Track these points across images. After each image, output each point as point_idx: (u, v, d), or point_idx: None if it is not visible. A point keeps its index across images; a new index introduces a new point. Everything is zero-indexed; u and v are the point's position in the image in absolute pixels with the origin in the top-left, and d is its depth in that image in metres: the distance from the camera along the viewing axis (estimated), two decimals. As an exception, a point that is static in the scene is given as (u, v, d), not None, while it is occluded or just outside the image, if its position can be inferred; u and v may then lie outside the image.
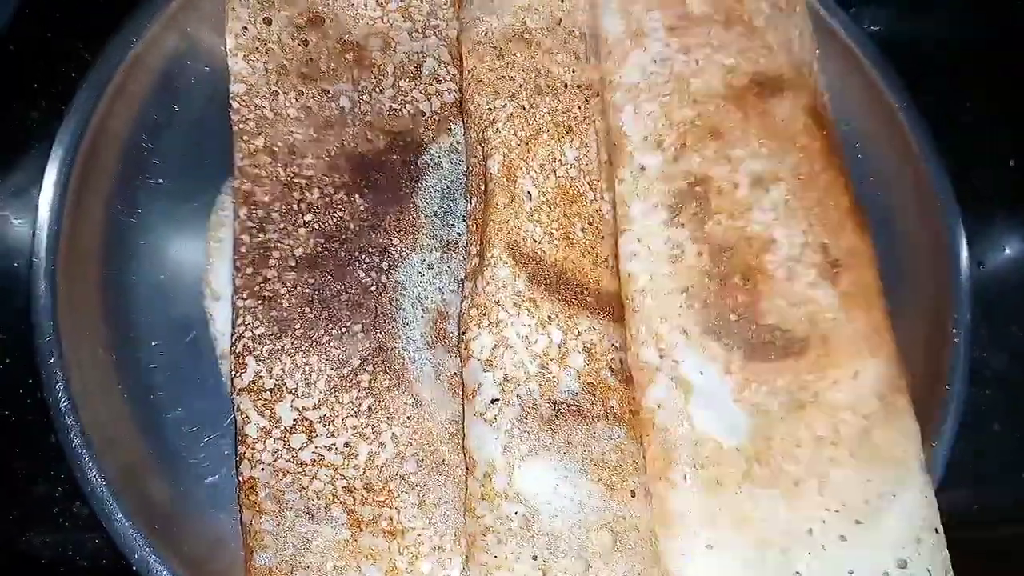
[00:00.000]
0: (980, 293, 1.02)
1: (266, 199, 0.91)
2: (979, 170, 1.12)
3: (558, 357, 0.82)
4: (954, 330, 0.95)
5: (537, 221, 0.86)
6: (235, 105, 0.94)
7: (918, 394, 0.89)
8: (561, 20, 0.93)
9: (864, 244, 0.88)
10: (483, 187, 0.88)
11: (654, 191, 0.82)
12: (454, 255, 0.92)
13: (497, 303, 0.82)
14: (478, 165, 0.90)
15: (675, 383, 0.78)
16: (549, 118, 0.90)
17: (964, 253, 1.00)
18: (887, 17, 1.13)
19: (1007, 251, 1.10)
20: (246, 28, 0.97)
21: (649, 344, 0.79)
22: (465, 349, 0.82)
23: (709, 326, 0.81)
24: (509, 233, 0.85)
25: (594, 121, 0.92)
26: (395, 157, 0.95)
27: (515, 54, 0.90)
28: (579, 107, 0.92)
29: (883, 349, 0.86)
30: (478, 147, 0.89)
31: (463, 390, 0.83)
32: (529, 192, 0.87)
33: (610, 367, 0.84)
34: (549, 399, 0.81)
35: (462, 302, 0.86)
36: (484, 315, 0.82)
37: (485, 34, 0.91)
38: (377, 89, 0.97)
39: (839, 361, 0.83)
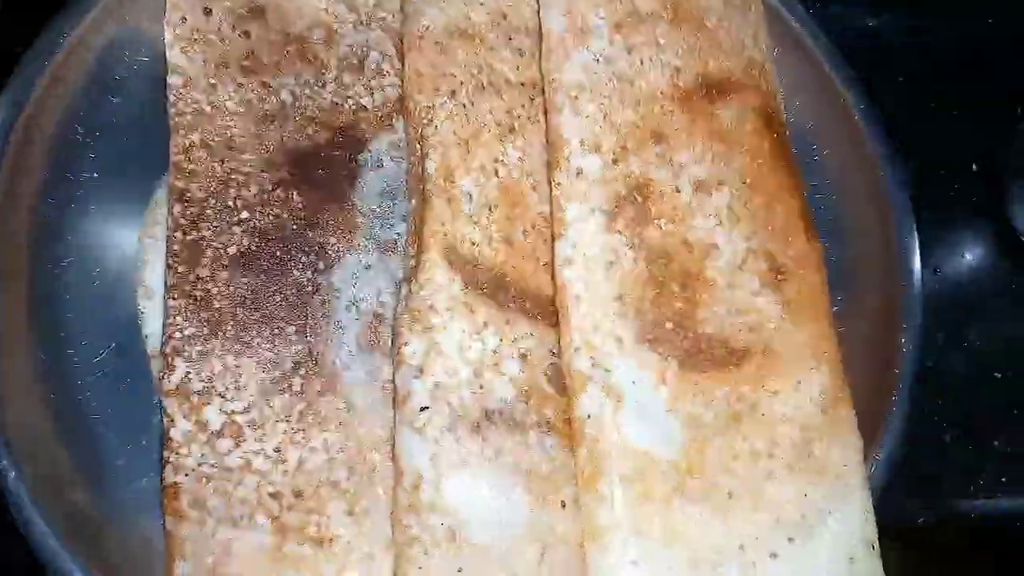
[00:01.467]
0: (936, 300, 1.00)
1: (201, 195, 0.89)
2: (940, 174, 1.10)
3: (492, 364, 0.80)
4: (903, 339, 0.92)
5: (476, 223, 0.84)
6: (172, 98, 0.91)
7: (865, 404, 0.87)
8: (507, 15, 0.90)
9: (812, 250, 0.86)
10: (421, 187, 0.85)
11: (591, 196, 0.80)
12: (393, 256, 0.90)
13: (431, 307, 0.80)
14: (417, 164, 0.87)
15: (606, 393, 0.76)
16: (491, 117, 0.87)
17: (916, 258, 0.97)
18: (849, 18, 1.11)
19: (966, 257, 1.08)
20: (185, 19, 0.94)
21: (581, 352, 0.77)
22: (397, 354, 0.80)
23: (644, 335, 0.79)
24: (446, 236, 0.83)
25: (539, 120, 0.89)
26: (335, 153, 0.92)
27: (457, 49, 0.88)
28: (523, 106, 0.89)
29: (827, 359, 0.84)
30: (416, 145, 0.87)
31: (395, 396, 0.81)
32: (469, 193, 0.85)
33: (546, 374, 0.82)
34: (481, 407, 0.79)
35: (397, 306, 0.84)
36: (417, 320, 0.80)
37: (427, 28, 0.88)
38: (319, 83, 0.94)
39: (780, 371, 0.82)
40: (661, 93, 0.82)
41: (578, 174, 0.80)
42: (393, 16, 0.98)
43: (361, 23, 0.97)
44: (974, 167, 1.09)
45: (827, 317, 0.85)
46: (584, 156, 0.80)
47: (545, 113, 0.84)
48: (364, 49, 0.96)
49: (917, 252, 0.97)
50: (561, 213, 0.80)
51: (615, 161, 0.80)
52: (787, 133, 0.89)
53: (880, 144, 1.01)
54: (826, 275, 0.87)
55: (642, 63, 0.82)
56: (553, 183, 0.80)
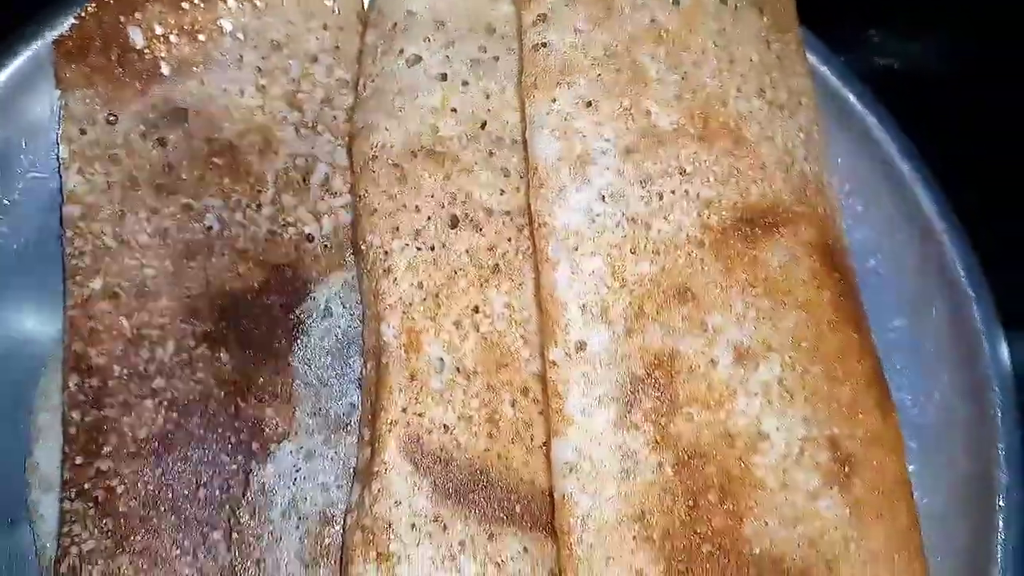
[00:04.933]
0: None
1: (102, 362, 0.70)
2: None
3: (471, 603, 0.61)
4: (1002, 519, 0.72)
5: (449, 402, 0.65)
6: (68, 234, 0.73)
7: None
8: (485, 123, 0.70)
9: (886, 425, 0.66)
10: (377, 357, 0.66)
11: (599, 379, 0.60)
12: (344, 435, 0.70)
13: (389, 527, 0.61)
14: (372, 322, 0.68)
15: (626, 654, 0.56)
16: (468, 259, 0.68)
17: (1012, 397, 0.77)
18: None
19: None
20: (83, 130, 0.75)
21: (591, 596, 0.57)
22: (347, 589, 0.61)
23: (674, 565, 0.59)
24: (408, 426, 0.63)
25: (530, 254, 0.69)
26: (272, 299, 0.73)
27: (422, 174, 0.68)
28: (509, 239, 0.69)
29: (909, 571, 0.64)
30: (372, 300, 0.67)
31: (345, 646, 0.62)
32: (440, 360, 0.66)
33: (543, 608, 0.63)
34: (459, 662, 0.60)
35: (346, 517, 0.65)
36: (371, 543, 0.61)
37: (382, 147, 0.69)
38: (253, 205, 0.75)
39: (850, 595, 0.62)
40: (687, 237, 0.62)
41: (580, 350, 0.60)
42: (347, 114, 0.78)
43: (306, 125, 0.78)
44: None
45: (907, 513, 0.65)
46: (587, 326, 0.60)
47: (535, 267, 0.64)
48: (309, 160, 0.77)
49: (1013, 392, 0.77)
50: (559, 403, 0.60)
51: (629, 331, 0.60)
52: (851, 267, 0.69)
53: (961, 257, 0.81)
54: (905, 456, 0.66)
55: (661, 198, 0.62)
56: (548, 363, 0.60)
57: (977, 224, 0.84)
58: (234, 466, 0.69)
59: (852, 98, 0.83)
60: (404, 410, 0.63)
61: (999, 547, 0.72)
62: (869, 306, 0.73)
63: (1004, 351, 0.79)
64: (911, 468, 0.70)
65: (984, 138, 1.00)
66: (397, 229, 0.66)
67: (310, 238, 0.75)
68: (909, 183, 0.82)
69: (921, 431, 0.78)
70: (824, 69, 0.83)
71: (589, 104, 0.63)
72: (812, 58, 0.80)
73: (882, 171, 0.84)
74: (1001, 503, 0.73)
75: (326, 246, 0.74)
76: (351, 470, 0.69)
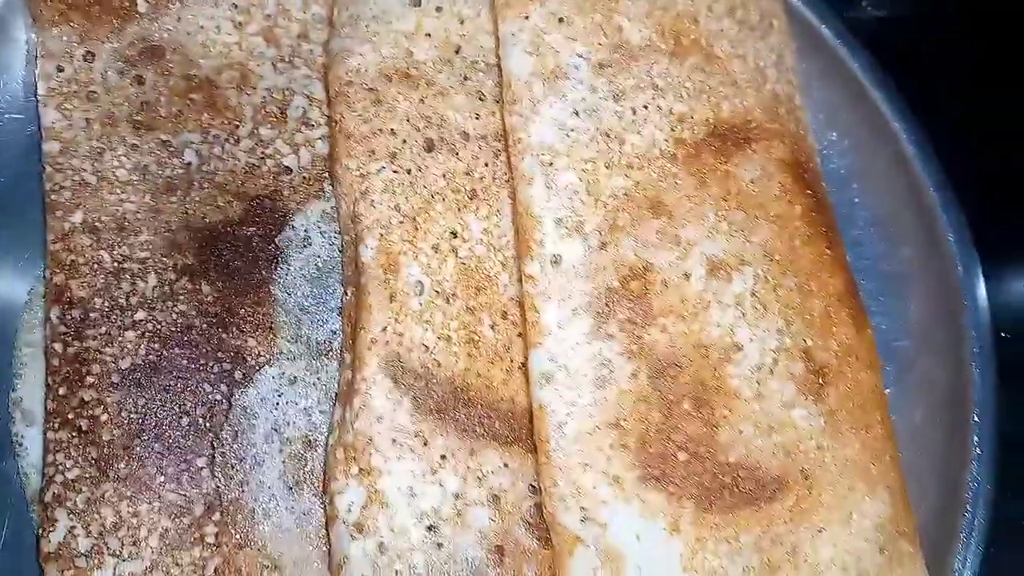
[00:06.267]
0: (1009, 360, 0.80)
1: (84, 294, 0.71)
2: (1003, 205, 0.90)
3: (454, 515, 0.62)
4: (976, 435, 0.73)
5: (428, 323, 0.65)
6: (48, 170, 0.73)
7: (933, 528, 0.69)
8: (460, 48, 0.71)
9: (860, 339, 0.67)
10: (356, 279, 0.66)
11: (574, 291, 0.61)
12: (326, 362, 0.71)
13: (370, 442, 0.62)
14: (351, 248, 0.68)
15: (602, 557, 0.57)
16: (444, 183, 0.68)
17: (987, 318, 0.78)
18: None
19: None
20: (61, 68, 0.75)
21: (568, 502, 0.58)
22: (329, 505, 0.62)
23: (649, 471, 0.60)
24: (388, 344, 0.64)
25: (508, 180, 0.70)
26: (251, 230, 0.74)
27: (397, 98, 0.69)
28: (486, 164, 0.70)
29: (884, 481, 0.65)
30: (350, 225, 0.68)
31: (329, 561, 0.63)
32: (419, 283, 0.66)
33: (526, 520, 0.64)
34: None
35: (328, 436, 0.66)
36: (353, 459, 0.62)
37: (357, 71, 0.69)
38: (231, 139, 0.75)
39: (825, 502, 0.63)
40: (660, 151, 0.63)
41: (555, 264, 0.61)
42: (323, 48, 0.78)
43: (282, 60, 0.78)
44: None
45: (883, 425, 0.66)
46: (562, 240, 0.61)
47: (511, 183, 0.64)
48: (286, 93, 0.77)
49: (987, 312, 0.78)
50: (535, 316, 0.61)
51: (603, 245, 0.61)
52: (823, 187, 0.70)
53: (931, 175, 0.82)
54: (881, 370, 0.67)
55: (634, 113, 0.63)
56: (524, 276, 0.61)
57: (952, 155, 0.85)
58: (217, 395, 0.69)
59: (824, 28, 0.83)
60: (384, 329, 0.64)
61: (974, 462, 0.73)
62: (845, 235, 0.74)
63: (978, 276, 0.80)
64: (887, 391, 0.72)
65: (961, 73, 1.00)
66: (373, 152, 0.67)
67: (288, 170, 0.75)
68: (884, 113, 0.83)
69: (897, 354, 0.79)
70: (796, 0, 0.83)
71: (561, 20, 0.63)
72: (784, -11, 0.81)
73: (856, 101, 0.84)
74: (975, 418, 0.74)
75: (304, 177, 0.75)
76: (333, 395, 0.69)
